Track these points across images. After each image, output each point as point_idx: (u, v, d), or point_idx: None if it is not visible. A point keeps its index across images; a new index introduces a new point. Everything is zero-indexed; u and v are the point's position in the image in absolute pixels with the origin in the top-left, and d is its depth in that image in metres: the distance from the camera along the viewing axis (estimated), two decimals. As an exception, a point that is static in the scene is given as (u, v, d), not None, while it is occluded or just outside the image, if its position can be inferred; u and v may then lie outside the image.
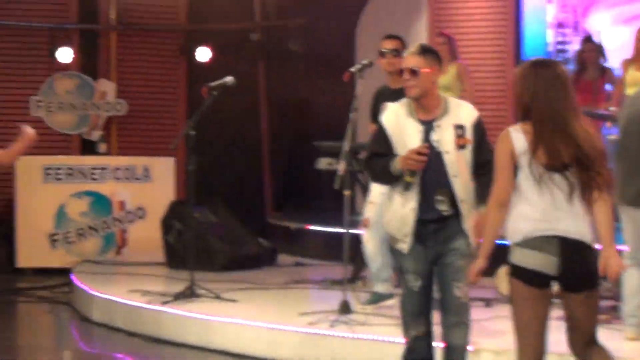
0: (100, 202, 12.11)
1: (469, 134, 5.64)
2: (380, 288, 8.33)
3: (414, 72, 5.62)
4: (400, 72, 5.88)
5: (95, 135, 13.21)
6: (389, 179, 5.80)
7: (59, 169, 12.14)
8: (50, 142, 12.89)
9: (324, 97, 12.56)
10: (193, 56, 13.76)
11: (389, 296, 8.23)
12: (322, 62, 13.37)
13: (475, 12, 13.60)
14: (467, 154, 5.66)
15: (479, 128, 5.72)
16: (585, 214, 4.86)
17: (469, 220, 5.67)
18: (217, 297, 8.87)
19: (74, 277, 10.49)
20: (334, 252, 10.23)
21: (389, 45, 8.40)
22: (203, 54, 13.70)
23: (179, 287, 8.98)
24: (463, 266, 5.59)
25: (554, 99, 4.89)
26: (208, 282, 9.18)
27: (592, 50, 11.65)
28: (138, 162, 12.47)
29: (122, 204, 12.21)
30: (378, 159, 5.85)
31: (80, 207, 12.02)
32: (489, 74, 13.10)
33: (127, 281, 10.15)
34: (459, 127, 5.65)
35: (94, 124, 13.18)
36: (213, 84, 9.21)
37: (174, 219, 11.17)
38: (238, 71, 10.12)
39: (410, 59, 5.70)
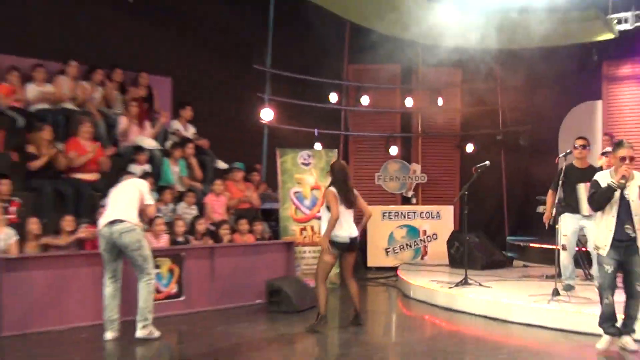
0: (413, 231, 13.22)
1: None
2: (571, 282, 8.76)
3: (632, 159, 6.30)
4: (622, 159, 6.34)
5: (409, 193, 14.41)
6: (608, 197, 6.38)
7: (390, 212, 13.33)
8: (385, 198, 14.29)
9: (540, 171, 12.01)
10: (464, 149, 14.63)
11: (573, 287, 8.69)
12: (537, 152, 13.63)
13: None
14: None
15: None
16: None
17: None
18: (480, 285, 9.47)
19: (398, 272, 11.48)
20: (547, 260, 10.88)
21: (579, 142, 8.83)
22: (470, 148, 14.56)
23: (458, 278, 9.66)
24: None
25: None
26: (474, 276, 9.74)
27: None
28: (433, 208, 13.45)
29: (425, 232, 13.20)
30: (596, 195, 6.49)
31: (402, 234, 13.25)
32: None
33: (428, 275, 10.82)
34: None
35: (409, 188, 14.42)
36: (478, 165, 9.83)
37: (454, 240, 11.88)
38: (490, 158, 10.20)
39: (630, 150, 6.31)
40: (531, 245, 12.76)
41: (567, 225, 8.78)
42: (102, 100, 10.96)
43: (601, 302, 6.54)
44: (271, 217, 11.59)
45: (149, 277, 7.22)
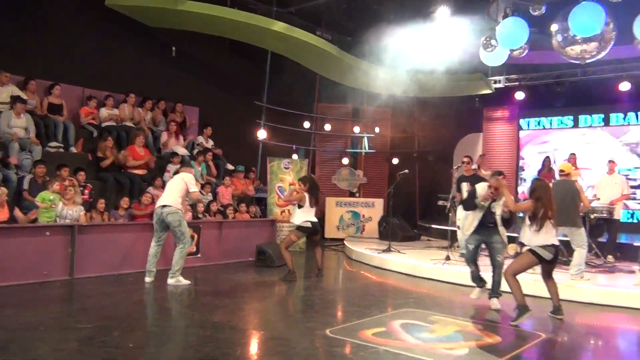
0: (356, 215, 12.97)
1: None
2: (463, 251, 8.26)
3: (496, 189, 5.91)
4: (489, 187, 5.99)
5: (355, 190, 14.10)
6: (475, 206, 6.13)
7: (341, 202, 13.15)
8: (339, 192, 13.87)
9: (441, 177, 12.22)
10: (391, 162, 14.42)
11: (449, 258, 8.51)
12: (440, 164, 13.43)
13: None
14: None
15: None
16: None
17: (501, 229, 6.05)
18: (399, 251, 9.42)
19: (345, 242, 11.49)
20: (442, 236, 10.72)
21: (465, 159, 8.87)
22: (395, 161, 14.19)
23: (384, 247, 9.73)
24: (500, 248, 6.12)
25: None
26: (395, 246, 9.87)
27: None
28: (370, 200, 13.22)
29: (364, 215, 12.96)
30: (469, 201, 6.23)
31: (348, 216, 13.01)
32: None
33: (365, 244, 10.75)
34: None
35: (354, 186, 14.14)
36: (400, 172, 9.97)
37: (383, 221, 12.00)
38: (408, 168, 10.56)
39: (496, 182, 5.95)
40: (433, 226, 12.76)
41: (460, 213, 8.65)
42: (151, 120, 10.94)
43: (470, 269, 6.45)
44: (261, 202, 11.49)
45: (183, 245, 7.11)
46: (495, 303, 6.20)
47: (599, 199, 9.14)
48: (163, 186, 8.41)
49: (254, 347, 4.73)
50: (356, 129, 14.21)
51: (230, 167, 11.49)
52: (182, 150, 10.51)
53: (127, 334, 4.69)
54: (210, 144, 11.53)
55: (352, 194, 14.00)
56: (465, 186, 8.37)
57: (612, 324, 6.14)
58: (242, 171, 11.24)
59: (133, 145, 9.63)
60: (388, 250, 9.60)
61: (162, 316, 5.82)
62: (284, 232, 10.57)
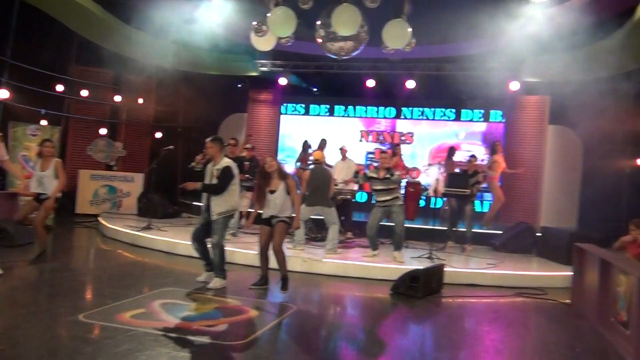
0: (112, 190, 12.35)
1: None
2: (232, 231, 8.78)
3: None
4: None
5: (112, 162, 13.23)
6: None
7: (97, 175, 12.38)
8: (94, 164, 12.88)
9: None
10: (154, 136, 13.87)
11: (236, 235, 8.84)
12: (199, 141, 14.42)
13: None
14: None
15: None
16: None
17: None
18: (159, 229, 9.31)
19: (99, 219, 10.72)
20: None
21: (232, 141, 9.08)
22: (159, 135, 13.78)
23: (143, 224, 9.48)
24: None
25: None
26: (155, 222, 9.68)
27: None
28: (129, 174, 12.59)
29: (121, 190, 12.36)
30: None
31: (104, 191, 12.32)
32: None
33: (122, 221, 10.23)
34: None
35: (112, 158, 13.21)
36: (165, 148, 9.76)
37: (143, 197, 11.71)
38: (172, 144, 10.16)
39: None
40: (194, 203, 12.29)
41: None
42: None
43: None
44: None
45: None
46: (216, 283, 6.16)
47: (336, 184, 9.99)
48: None
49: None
50: (117, 98, 13.41)
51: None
52: None
53: None
54: None
55: (109, 167, 13.23)
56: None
57: (350, 293, 6.92)
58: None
59: None
60: (148, 227, 9.38)
61: None
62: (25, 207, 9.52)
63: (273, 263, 6.20)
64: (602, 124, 10.64)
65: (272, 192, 5.97)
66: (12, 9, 10.87)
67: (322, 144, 11.28)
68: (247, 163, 9.35)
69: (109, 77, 13.43)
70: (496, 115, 13.14)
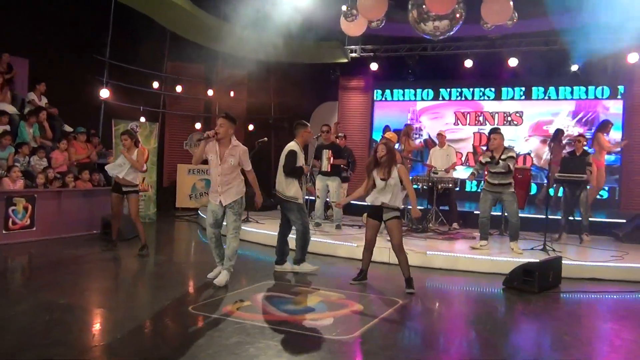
0: (209, 183, 11.20)
1: None
2: (319, 221, 9.16)
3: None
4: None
5: None
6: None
7: (194, 169, 12.80)
8: (191, 158, 12.02)
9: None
10: (247, 128, 14.10)
11: (320, 224, 9.09)
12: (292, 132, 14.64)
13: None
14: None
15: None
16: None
17: None
18: (257, 222, 9.55)
19: (200, 212, 11.09)
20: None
21: (324, 128, 9.28)
22: (251, 127, 14.10)
23: (242, 217, 10.41)
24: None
25: None
26: (253, 215, 9.89)
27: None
28: None
29: None
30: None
31: (201, 184, 12.81)
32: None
33: None
34: None
35: None
36: (260, 140, 9.25)
37: None
38: (265, 136, 9.73)
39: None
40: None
41: (319, 183, 9.08)
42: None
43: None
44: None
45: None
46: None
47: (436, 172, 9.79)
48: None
49: (108, 329, 4.44)
50: (210, 92, 13.83)
51: (68, 128, 10.69)
52: (10, 108, 9.54)
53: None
54: (44, 102, 10.57)
55: (205, 162, 13.60)
56: (325, 153, 8.60)
57: (458, 287, 6.70)
58: (84, 133, 10.51)
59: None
60: (246, 220, 9.48)
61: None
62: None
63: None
64: None
65: (383, 180, 5.81)
66: (109, 11, 11.48)
67: (407, 130, 11.08)
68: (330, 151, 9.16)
69: (201, 72, 13.89)
70: (607, 91, 12.20)
